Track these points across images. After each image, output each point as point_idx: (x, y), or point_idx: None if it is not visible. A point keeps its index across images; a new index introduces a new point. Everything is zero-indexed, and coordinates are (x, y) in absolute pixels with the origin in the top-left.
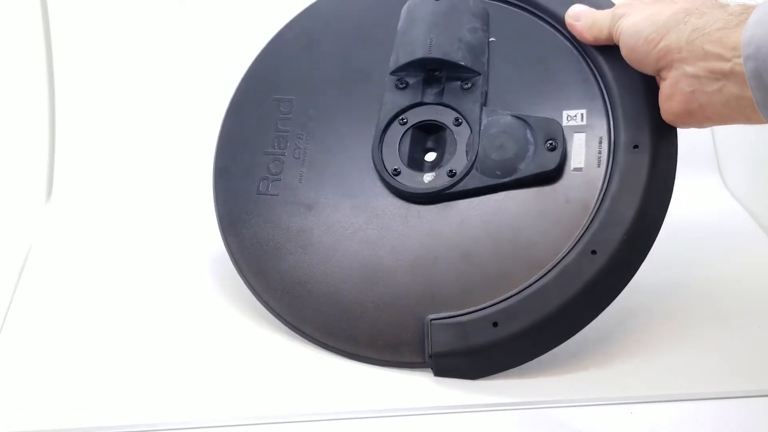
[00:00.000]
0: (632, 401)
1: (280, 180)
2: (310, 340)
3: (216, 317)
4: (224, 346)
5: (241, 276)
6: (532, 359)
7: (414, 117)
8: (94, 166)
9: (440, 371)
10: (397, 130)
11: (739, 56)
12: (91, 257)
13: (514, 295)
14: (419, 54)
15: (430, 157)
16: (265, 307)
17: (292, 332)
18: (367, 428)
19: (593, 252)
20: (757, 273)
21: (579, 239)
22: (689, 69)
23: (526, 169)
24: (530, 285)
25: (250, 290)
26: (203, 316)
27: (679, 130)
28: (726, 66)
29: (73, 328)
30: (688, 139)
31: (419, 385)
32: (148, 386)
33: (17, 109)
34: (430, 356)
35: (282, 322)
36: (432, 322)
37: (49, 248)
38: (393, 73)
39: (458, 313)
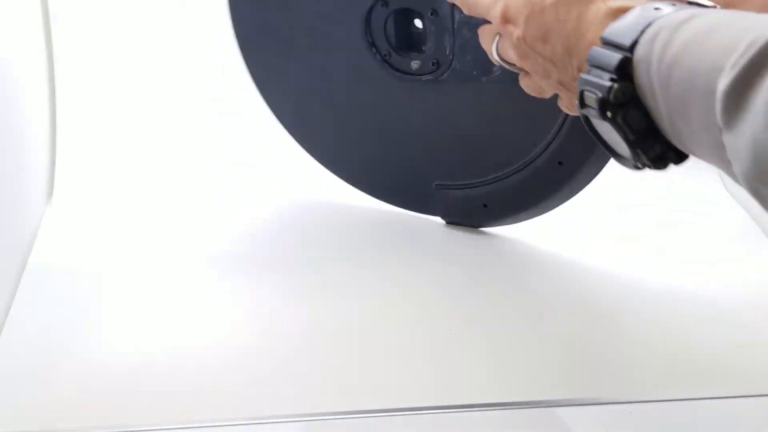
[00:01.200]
0: (632, 401)
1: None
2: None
3: (216, 317)
4: (224, 347)
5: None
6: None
7: (394, 2)
8: (94, 166)
9: (450, 221)
10: (380, 12)
11: None
12: (91, 257)
13: (500, 179)
14: None
15: (417, 36)
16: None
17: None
18: (367, 428)
19: (560, 163)
20: (757, 274)
21: (548, 145)
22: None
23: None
24: (515, 172)
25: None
26: (203, 316)
27: None
28: None
29: (73, 328)
30: None
31: (419, 385)
32: (148, 386)
33: (17, 109)
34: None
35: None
36: (436, 186)
37: (49, 248)
38: None
39: (457, 184)
